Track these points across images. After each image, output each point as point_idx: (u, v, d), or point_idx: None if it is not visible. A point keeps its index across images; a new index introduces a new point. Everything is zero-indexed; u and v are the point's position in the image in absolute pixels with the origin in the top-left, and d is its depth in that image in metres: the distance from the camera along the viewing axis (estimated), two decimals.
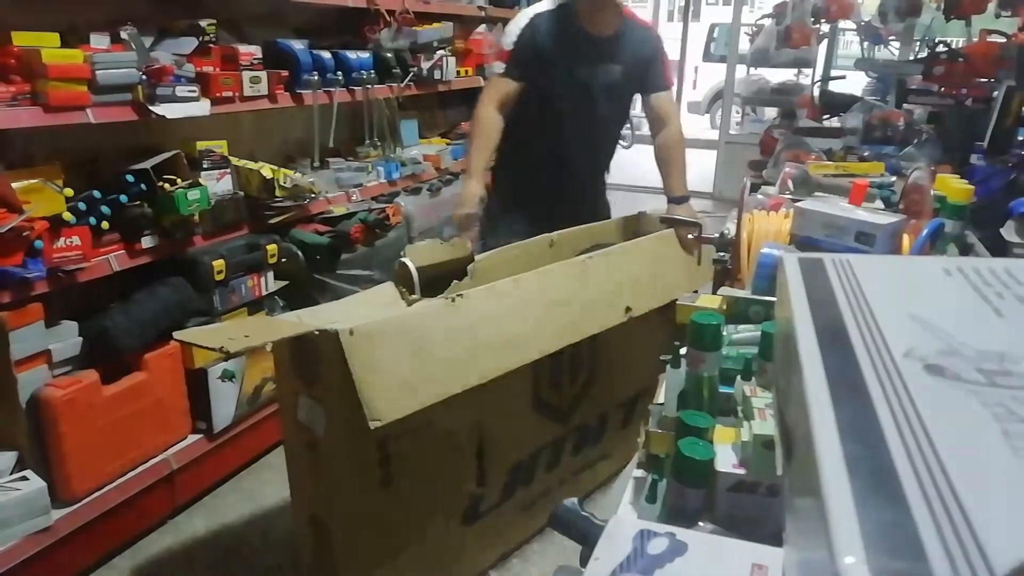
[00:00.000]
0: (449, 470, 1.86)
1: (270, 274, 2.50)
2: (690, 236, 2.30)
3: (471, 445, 1.88)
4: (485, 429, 1.90)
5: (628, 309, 2.09)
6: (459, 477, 1.90)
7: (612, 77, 2.30)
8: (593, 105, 2.33)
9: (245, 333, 1.47)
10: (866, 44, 5.33)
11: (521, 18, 2.26)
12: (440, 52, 3.46)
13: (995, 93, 2.75)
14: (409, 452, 1.71)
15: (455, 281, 1.96)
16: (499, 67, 2.25)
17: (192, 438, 2.35)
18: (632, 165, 9.05)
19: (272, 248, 2.47)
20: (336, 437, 1.67)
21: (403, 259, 1.99)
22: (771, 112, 7.35)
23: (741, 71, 7.49)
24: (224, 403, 2.40)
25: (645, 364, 2.25)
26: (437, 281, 1.96)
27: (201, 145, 2.35)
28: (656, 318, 2.14)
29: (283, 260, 2.53)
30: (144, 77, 2.05)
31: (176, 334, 1.57)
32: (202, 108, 2.23)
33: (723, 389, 1.13)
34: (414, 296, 1.94)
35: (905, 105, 3.66)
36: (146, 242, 2.14)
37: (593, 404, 2.24)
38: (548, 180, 2.44)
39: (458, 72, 3.68)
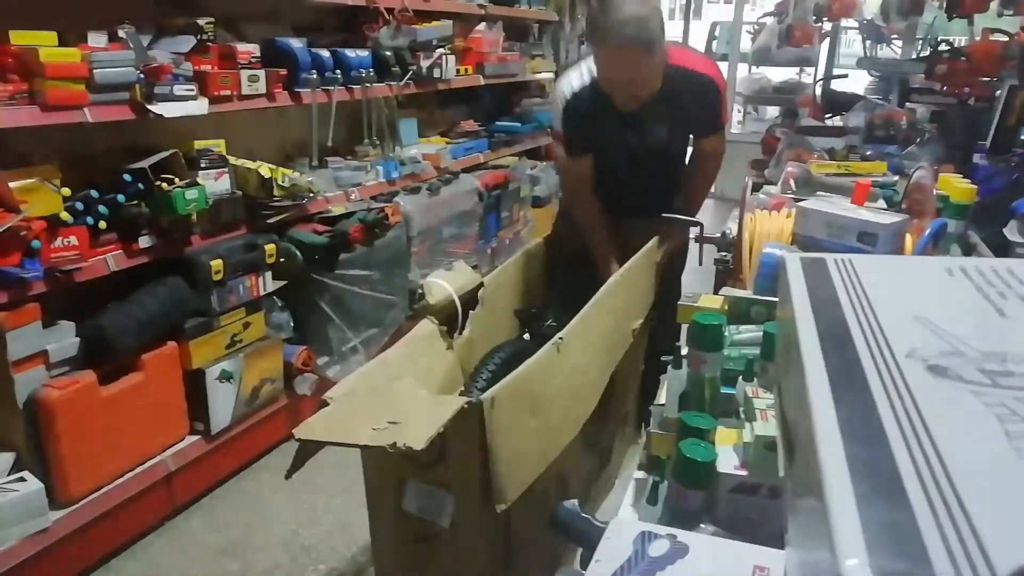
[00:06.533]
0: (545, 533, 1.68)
1: (268, 274, 2.49)
2: (692, 238, 2.30)
3: (557, 497, 1.73)
4: (564, 479, 1.79)
5: (634, 331, 2.08)
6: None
7: (658, 136, 2.25)
8: (648, 162, 2.32)
9: (390, 419, 1.22)
10: (868, 43, 5.32)
11: (559, 96, 2.22)
12: (439, 50, 3.45)
13: (998, 92, 2.75)
14: (524, 522, 1.55)
15: (471, 311, 1.90)
16: (562, 151, 2.33)
17: (190, 439, 2.34)
18: None
19: (270, 248, 2.46)
20: (467, 524, 1.44)
21: (441, 284, 1.86)
22: (773, 111, 7.36)
23: (743, 70, 7.49)
24: (222, 404, 2.40)
25: (634, 377, 2.24)
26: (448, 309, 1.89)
27: (199, 144, 2.34)
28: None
29: (281, 260, 2.52)
30: (142, 76, 2.05)
31: (299, 433, 1.25)
32: (200, 107, 2.23)
33: (725, 390, 1.12)
34: (455, 337, 1.83)
35: (907, 104, 3.66)
36: (144, 242, 2.13)
37: (607, 424, 2.18)
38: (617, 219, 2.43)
39: (458, 70, 3.68)
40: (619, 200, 2.37)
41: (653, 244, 2.27)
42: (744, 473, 0.92)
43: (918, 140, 3.01)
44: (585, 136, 2.24)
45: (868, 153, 2.95)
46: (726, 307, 1.38)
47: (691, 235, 2.32)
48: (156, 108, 2.07)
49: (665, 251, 2.36)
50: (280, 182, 2.55)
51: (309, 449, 1.37)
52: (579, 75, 2.18)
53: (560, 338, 1.61)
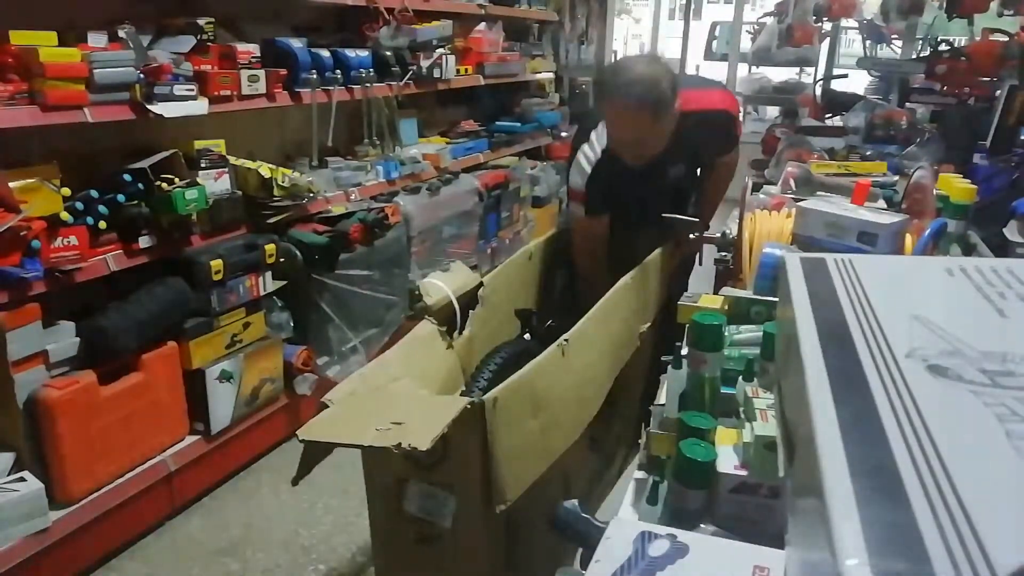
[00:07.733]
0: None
1: (268, 274, 2.49)
2: (691, 235, 2.29)
3: (559, 498, 1.74)
4: (567, 480, 1.80)
5: (641, 334, 2.08)
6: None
7: (674, 173, 2.26)
8: (663, 188, 2.31)
9: (394, 419, 1.22)
10: (868, 43, 5.32)
11: (583, 165, 2.19)
12: (440, 50, 3.45)
13: (997, 92, 2.75)
14: (526, 522, 1.55)
15: (471, 311, 1.90)
16: (580, 209, 2.23)
17: (190, 439, 2.34)
18: None
19: (270, 248, 2.46)
20: (470, 524, 1.44)
21: (438, 284, 1.85)
22: (773, 111, 7.33)
23: (743, 70, 7.47)
24: (222, 404, 2.39)
25: (640, 380, 2.24)
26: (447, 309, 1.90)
27: (199, 144, 2.34)
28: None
29: (281, 260, 2.51)
30: (142, 76, 2.05)
31: (303, 434, 1.24)
32: (200, 107, 2.23)
33: (725, 390, 1.12)
34: (455, 337, 1.84)
35: (907, 104, 3.66)
36: (144, 242, 2.13)
37: (612, 427, 2.18)
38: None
39: (458, 70, 3.67)
40: (629, 214, 2.34)
41: (665, 249, 2.26)
42: (744, 473, 0.92)
43: (918, 140, 3.01)
44: (606, 196, 2.21)
45: (868, 153, 2.96)
46: (726, 307, 1.38)
47: (691, 235, 2.32)
48: (156, 108, 2.07)
49: (677, 254, 2.35)
50: (280, 182, 2.55)
51: (316, 454, 1.37)
52: (592, 146, 2.16)
53: (565, 340, 1.60)
